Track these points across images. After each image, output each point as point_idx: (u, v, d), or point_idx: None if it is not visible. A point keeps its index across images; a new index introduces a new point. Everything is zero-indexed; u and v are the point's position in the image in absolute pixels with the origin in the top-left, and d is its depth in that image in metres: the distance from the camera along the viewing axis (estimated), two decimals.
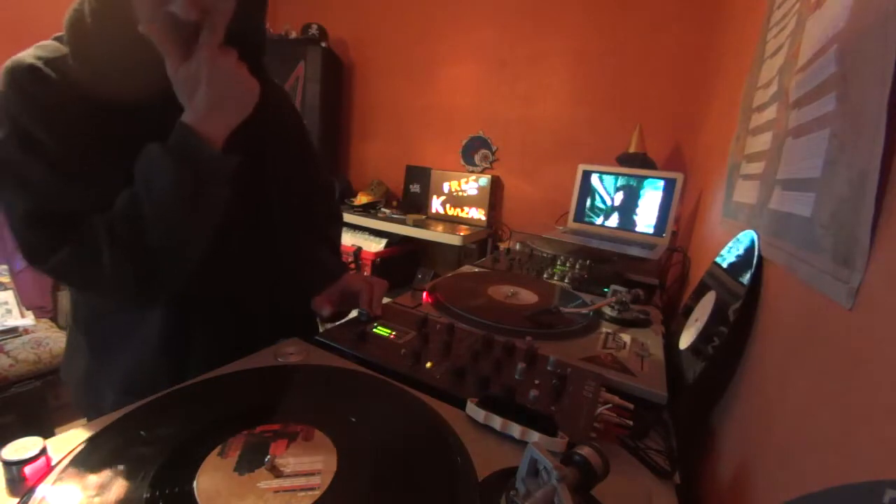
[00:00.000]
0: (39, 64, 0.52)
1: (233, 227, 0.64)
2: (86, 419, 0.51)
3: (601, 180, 1.71)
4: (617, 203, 1.67)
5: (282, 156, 0.72)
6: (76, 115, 0.53)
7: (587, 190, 1.74)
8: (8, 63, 0.53)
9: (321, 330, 0.69)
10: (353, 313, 0.73)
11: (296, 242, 0.76)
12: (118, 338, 0.64)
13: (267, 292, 0.71)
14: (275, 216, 0.72)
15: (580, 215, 1.75)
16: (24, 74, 0.52)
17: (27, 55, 0.53)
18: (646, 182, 1.62)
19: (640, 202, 1.63)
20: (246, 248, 0.67)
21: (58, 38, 0.57)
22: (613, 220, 1.69)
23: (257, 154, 0.67)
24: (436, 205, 2.59)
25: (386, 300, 0.78)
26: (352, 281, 0.73)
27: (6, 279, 1.80)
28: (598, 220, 1.71)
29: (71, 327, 0.70)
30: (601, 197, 1.71)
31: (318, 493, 0.36)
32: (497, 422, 0.46)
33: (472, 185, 2.47)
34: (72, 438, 0.40)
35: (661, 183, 1.58)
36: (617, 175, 1.68)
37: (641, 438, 0.51)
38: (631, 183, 1.64)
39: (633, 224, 1.64)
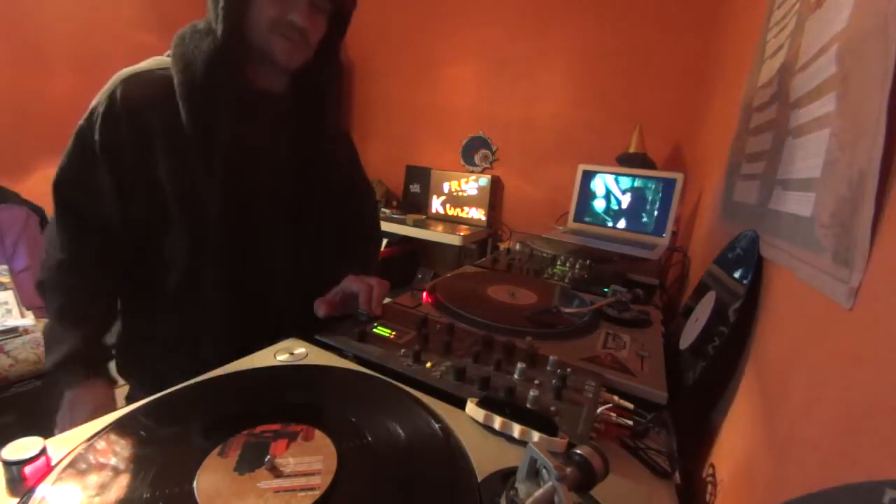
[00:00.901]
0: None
1: (271, 237, 0.75)
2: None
3: (605, 181, 1.71)
4: (623, 205, 1.67)
5: (325, 176, 0.80)
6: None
7: (587, 190, 1.74)
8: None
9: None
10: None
11: (325, 257, 0.84)
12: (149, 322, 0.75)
13: (287, 297, 0.79)
14: (309, 232, 0.80)
15: (580, 215, 1.75)
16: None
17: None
18: (647, 182, 1.62)
19: (642, 202, 1.63)
20: (278, 258, 0.77)
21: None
22: (614, 221, 1.69)
23: (302, 170, 0.76)
24: (436, 205, 2.59)
25: (386, 300, 0.78)
26: (351, 282, 0.73)
27: (6, 279, 1.80)
28: (600, 221, 1.71)
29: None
30: (611, 198, 1.71)
31: (318, 493, 0.36)
32: (497, 422, 0.46)
33: (472, 185, 2.47)
34: (72, 438, 0.40)
35: (661, 183, 1.58)
36: (618, 175, 1.68)
37: (641, 438, 0.51)
38: (638, 185, 1.64)
39: (634, 224, 1.64)
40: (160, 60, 0.68)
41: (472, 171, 2.54)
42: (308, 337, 0.64)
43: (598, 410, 0.51)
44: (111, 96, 0.63)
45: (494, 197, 2.48)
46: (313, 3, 0.66)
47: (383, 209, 2.58)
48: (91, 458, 0.38)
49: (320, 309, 0.69)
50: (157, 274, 0.70)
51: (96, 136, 0.64)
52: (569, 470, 0.33)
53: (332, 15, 0.71)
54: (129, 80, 0.65)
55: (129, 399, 0.76)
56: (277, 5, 0.63)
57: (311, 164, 0.77)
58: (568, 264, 1.24)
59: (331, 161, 0.81)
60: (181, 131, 0.63)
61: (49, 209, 2.34)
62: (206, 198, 0.66)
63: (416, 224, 2.29)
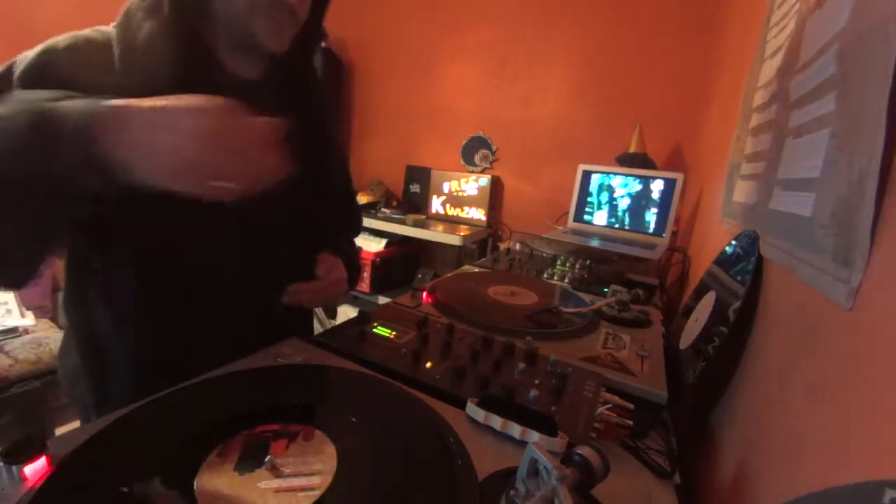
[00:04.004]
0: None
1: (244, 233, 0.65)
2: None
3: (604, 181, 1.71)
4: (622, 205, 1.67)
5: (319, 166, 0.73)
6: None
7: (587, 190, 1.74)
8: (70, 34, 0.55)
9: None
10: (354, 313, 0.73)
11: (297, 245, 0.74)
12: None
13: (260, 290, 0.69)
14: (291, 226, 0.71)
15: (580, 215, 1.75)
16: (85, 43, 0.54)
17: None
18: (647, 182, 1.62)
19: (642, 202, 1.63)
20: (246, 244, 0.66)
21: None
22: (614, 221, 1.69)
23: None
24: (436, 205, 2.59)
25: (386, 300, 0.77)
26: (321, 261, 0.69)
27: None
28: (599, 220, 1.71)
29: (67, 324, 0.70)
30: (611, 198, 1.71)
31: (318, 493, 0.36)
32: (497, 422, 0.46)
33: (472, 185, 2.47)
34: (72, 438, 0.40)
35: (661, 183, 1.58)
36: (617, 175, 1.68)
37: (641, 438, 0.51)
38: (638, 185, 1.64)
39: (634, 224, 1.64)
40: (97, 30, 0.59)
41: (472, 171, 2.54)
42: (308, 337, 0.64)
43: (598, 410, 0.51)
44: (32, 64, 0.53)
45: (494, 197, 2.48)
46: None
47: (383, 209, 2.58)
48: (91, 458, 0.38)
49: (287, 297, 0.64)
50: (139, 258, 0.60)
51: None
52: (569, 470, 0.33)
53: None
54: (55, 49, 0.54)
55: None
56: None
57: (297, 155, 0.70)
58: (568, 264, 1.24)
59: (319, 149, 0.74)
60: None
61: None
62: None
63: (416, 224, 2.29)
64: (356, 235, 0.95)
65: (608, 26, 2.11)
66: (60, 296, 2.11)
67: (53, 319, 1.96)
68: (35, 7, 1.98)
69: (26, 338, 1.63)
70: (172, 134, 0.41)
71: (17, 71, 0.52)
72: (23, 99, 0.43)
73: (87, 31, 0.57)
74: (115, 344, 0.63)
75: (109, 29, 0.58)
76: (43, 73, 0.51)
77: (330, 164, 0.80)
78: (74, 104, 0.42)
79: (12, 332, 1.66)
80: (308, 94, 0.72)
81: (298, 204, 0.70)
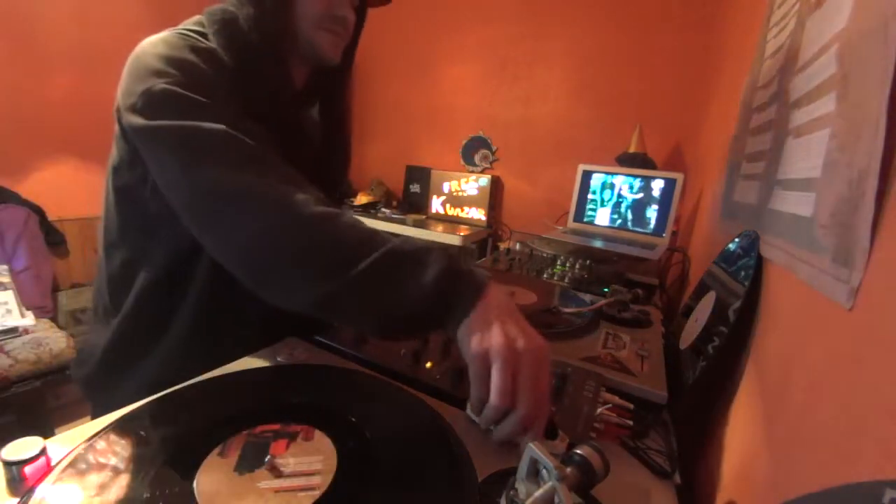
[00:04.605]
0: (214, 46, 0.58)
1: None
2: (89, 417, 0.50)
3: (604, 181, 1.71)
4: (622, 205, 1.67)
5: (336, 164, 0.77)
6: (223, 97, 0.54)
7: (587, 190, 1.74)
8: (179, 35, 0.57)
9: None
10: None
11: None
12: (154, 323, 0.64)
13: None
14: None
15: (580, 215, 1.75)
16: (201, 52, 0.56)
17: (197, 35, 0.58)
18: (647, 182, 1.62)
19: (642, 202, 1.63)
20: None
21: (195, 29, 0.60)
22: (614, 221, 1.69)
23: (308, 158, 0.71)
24: (436, 205, 2.59)
25: None
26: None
27: (6, 279, 1.80)
28: (599, 220, 1.71)
29: (96, 319, 0.70)
30: (611, 198, 1.71)
31: (318, 493, 0.36)
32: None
33: (472, 185, 2.47)
34: (72, 438, 0.40)
35: (661, 183, 1.58)
36: (618, 175, 1.68)
37: (641, 438, 0.51)
38: (638, 185, 1.64)
39: (634, 224, 1.64)
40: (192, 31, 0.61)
41: (472, 171, 2.54)
42: (308, 337, 0.64)
43: (598, 410, 0.51)
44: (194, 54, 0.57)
45: (494, 197, 2.48)
46: None
47: (383, 209, 2.58)
48: (91, 457, 0.38)
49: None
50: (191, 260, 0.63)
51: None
52: (569, 470, 0.33)
53: None
54: (198, 49, 0.57)
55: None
56: (325, 0, 0.61)
57: (330, 159, 0.75)
58: (568, 264, 1.24)
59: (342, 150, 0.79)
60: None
61: (49, 209, 2.34)
62: None
63: (416, 224, 2.29)
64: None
65: (608, 26, 2.11)
66: (61, 296, 2.11)
67: (53, 319, 1.96)
68: (35, 7, 1.98)
69: (26, 338, 1.63)
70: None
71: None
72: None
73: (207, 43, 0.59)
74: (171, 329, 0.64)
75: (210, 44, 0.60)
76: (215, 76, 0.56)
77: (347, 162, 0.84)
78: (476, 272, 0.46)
79: (12, 332, 1.66)
80: (341, 101, 0.77)
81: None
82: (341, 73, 0.73)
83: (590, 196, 1.74)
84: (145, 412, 0.45)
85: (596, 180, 1.73)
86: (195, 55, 0.55)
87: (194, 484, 0.36)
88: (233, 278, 0.51)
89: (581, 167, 1.75)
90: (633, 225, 1.64)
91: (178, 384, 0.50)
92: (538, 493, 0.32)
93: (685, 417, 0.59)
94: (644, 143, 1.87)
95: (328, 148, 0.76)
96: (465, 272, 0.46)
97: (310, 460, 0.39)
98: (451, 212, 2.55)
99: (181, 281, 0.63)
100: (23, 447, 0.35)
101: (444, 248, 0.49)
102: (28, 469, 0.35)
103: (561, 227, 1.73)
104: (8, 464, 0.34)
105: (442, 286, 0.44)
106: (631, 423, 0.51)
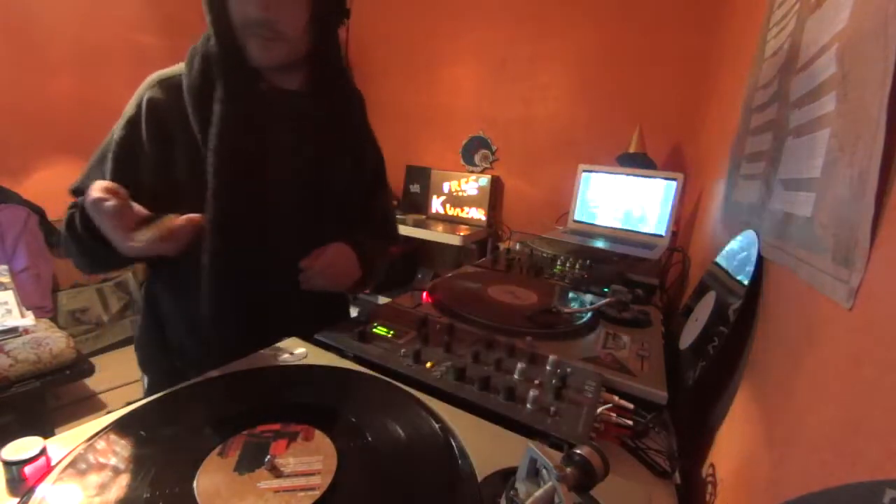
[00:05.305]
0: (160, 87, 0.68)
1: (290, 224, 0.73)
2: (89, 417, 0.55)
3: (605, 181, 1.71)
4: (623, 205, 1.67)
5: (344, 170, 0.79)
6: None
7: (587, 190, 1.74)
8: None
9: None
10: (354, 313, 0.73)
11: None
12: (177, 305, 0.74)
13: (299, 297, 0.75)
14: (327, 225, 0.78)
15: (580, 215, 1.75)
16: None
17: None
18: (647, 182, 1.62)
19: (642, 202, 1.63)
20: (297, 244, 0.73)
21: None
22: (614, 221, 1.69)
23: (323, 161, 0.75)
24: (436, 205, 2.59)
25: (386, 300, 0.78)
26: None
27: (6, 279, 1.80)
28: (599, 220, 1.71)
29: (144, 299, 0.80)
30: (611, 198, 1.71)
31: (318, 493, 0.36)
32: None
33: (472, 185, 2.47)
34: (72, 438, 0.40)
35: (661, 183, 1.58)
36: (618, 175, 1.68)
37: (641, 438, 0.51)
38: (638, 185, 1.64)
39: (634, 224, 1.64)
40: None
41: (472, 171, 2.54)
42: (308, 337, 0.64)
43: (598, 410, 0.51)
44: (138, 105, 0.66)
45: (494, 197, 2.48)
46: None
47: None
48: (91, 458, 0.38)
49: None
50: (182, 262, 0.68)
51: (122, 141, 0.67)
52: (569, 470, 0.33)
53: None
54: (156, 86, 0.67)
55: (148, 392, 0.76)
56: (240, 3, 0.62)
57: (335, 162, 0.77)
58: (568, 264, 1.24)
59: (357, 161, 0.80)
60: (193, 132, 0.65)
61: (49, 209, 2.33)
62: (217, 193, 0.66)
63: (416, 224, 2.29)
64: (390, 243, 0.96)
65: (608, 26, 2.11)
66: (61, 296, 2.11)
67: (53, 319, 1.96)
68: (35, 7, 1.98)
69: (26, 338, 1.63)
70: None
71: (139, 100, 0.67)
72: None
73: (174, 70, 0.70)
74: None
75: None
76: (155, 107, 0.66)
77: (365, 166, 0.86)
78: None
79: (12, 332, 1.66)
80: (347, 102, 0.79)
81: (336, 193, 0.78)
82: (331, 69, 0.74)
83: (590, 196, 1.74)
84: (145, 412, 0.45)
85: (596, 180, 1.73)
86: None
87: (194, 484, 0.36)
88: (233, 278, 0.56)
89: (581, 167, 1.75)
90: (634, 225, 1.64)
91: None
92: (538, 493, 0.32)
93: (685, 417, 0.59)
94: (644, 143, 1.87)
95: (333, 149, 0.76)
96: None
97: (310, 460, 0.39)
98: (451, 212, 2.55)
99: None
100: (23, 447, 0.35)
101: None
102: (28, 469, 0.35)
103: (561, 227, 1.73)
104: (8, 464, 0.34)
105: None
106: (631, 423, 0.51)
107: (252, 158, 0.68)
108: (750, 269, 0.58)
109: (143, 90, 0.67)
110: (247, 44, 0.65)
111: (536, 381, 0.55)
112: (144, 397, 0.48)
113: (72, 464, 0.36)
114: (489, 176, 2.42)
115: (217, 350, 0.62)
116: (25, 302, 1.82)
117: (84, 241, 0.62)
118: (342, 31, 0.77)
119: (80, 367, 1.66)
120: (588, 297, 0.96)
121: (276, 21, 0.63)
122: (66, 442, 0.39)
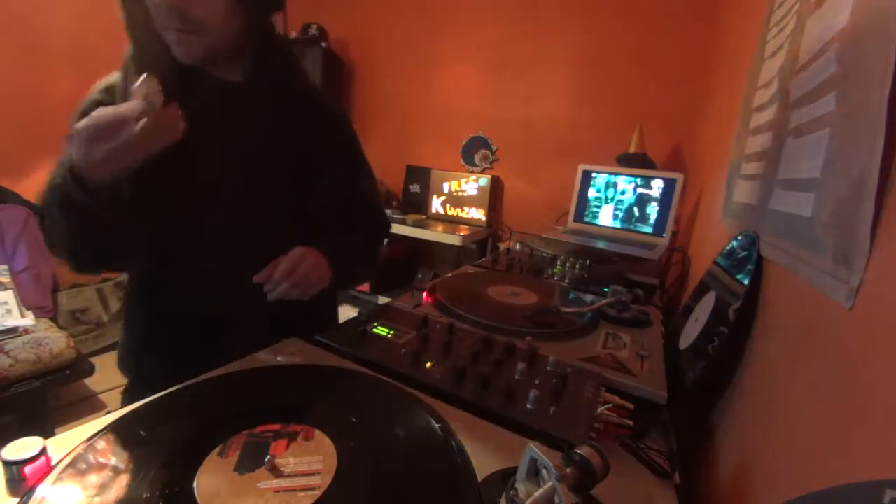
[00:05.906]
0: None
1: (273, 221, 0.72)
2: (89, 417, 0.54)
3: (605, 181, 1.71)
4: (622, 205, 1.67)
5: (327, 166, 0.77)
6: None
7: (587, 190, 1.74)
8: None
9: None
10: (354, 313, 0.73)
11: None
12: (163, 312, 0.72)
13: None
14: (315, 219, 0.76)
15: (580, 215, 1.75)
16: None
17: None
18: (647, 182, 1.62)
19: (642, 202, 1.63)
20: (280, 244, 0.68)
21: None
22: (614, 221, 1.69)
23: (285, 160, 0.73)
24: (436, 205, 2.59)
25: (386, 300, 0.77)
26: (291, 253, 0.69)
27: (6, 279, 1.80)
28: (599, 220, 1.71)
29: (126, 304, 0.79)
30: (611, 198, 1.71)
31: (318, 493, 0.36)
32: None
33: (472, 185, 2.47)
34: (72, 438, 0.40)
35: (661, 183, 1.58)
36: (618, 175, 1.68)
37: (641, 438, 0.51)
38: (638, 185, 1.64)
39: (634, 224, 1.64)
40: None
41: (472, 171, 2.54)
42: (308, 337, 0.64)
43: (598, 410, 0.51)
44: (83, 111, 0.65)
45: (494, 197, 2.48)
46: None
47: None
48: (91, 458, 0.38)
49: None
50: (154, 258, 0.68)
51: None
52: (569, 470, 0.33)
53: None
54: (98, 92, 0.70)
55: (126, 395, 0.75)
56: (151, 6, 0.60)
57: (299, 153, 0.73)
58: (568, 264, 1.24)
59: (326, 149, 0.76)
60: None
61: None
62: (169, 191, 0.65)
63: (416, 224, 2.29)
64: (380, 238, 0.93)
65: (608, 26, 2.11)
66: (61, 296, 2.11)
67: (53, 319, 1.96)
68: (35, 7, 1.98)
69: (26, 338, 1.63)
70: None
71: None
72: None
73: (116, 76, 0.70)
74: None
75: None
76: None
77: (338, 153, 0.82)
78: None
79: (12, 332, 1.66)
80: (295, 89, 0.75)
81: (300, 187, 0.75)
82: (272, 54, 0.71)
83: (590, 196, 1.74)
84: (145, 412, 0.45)
85: (596, 180, 1.72)
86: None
87: (194, 484, 0.36)
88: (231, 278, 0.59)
89: (581, 167, 1.75)
90: (634, 225, 1.64)
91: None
92: (538, 493, 0.32)
93: (685, 417, 0.59)
94: (644, 143, 1.87)
95: (288, 143, 0.73)
96: None
97: (310, 460, 0.39)
98: (451, 212, 2.55)
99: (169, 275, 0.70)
100: (23, 447, 0.35)
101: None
102: (28, 469, 0.35)
103: (561, 227, 1.73)
104: (8, 464, 0.34)
105: None
106: (631, 423, 0.51)
107: (172, 161, 0.59)
108: (750, 269, 0.58)
109: (87, 97, 0.69)
110: (168, 40, 0.62)
111: (536, 381, 0.55)
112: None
113: (72, 464, 0.36)
114: (489, 176, 2.43)
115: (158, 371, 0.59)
116: (25, 302, 1.82)
117: (63, 207, 0.59)
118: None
119: (80, 367, 1.66)
120: (588, 297, 0.96)
121: (185, 9, 0.59)
122: (66, 442, 0.39)
